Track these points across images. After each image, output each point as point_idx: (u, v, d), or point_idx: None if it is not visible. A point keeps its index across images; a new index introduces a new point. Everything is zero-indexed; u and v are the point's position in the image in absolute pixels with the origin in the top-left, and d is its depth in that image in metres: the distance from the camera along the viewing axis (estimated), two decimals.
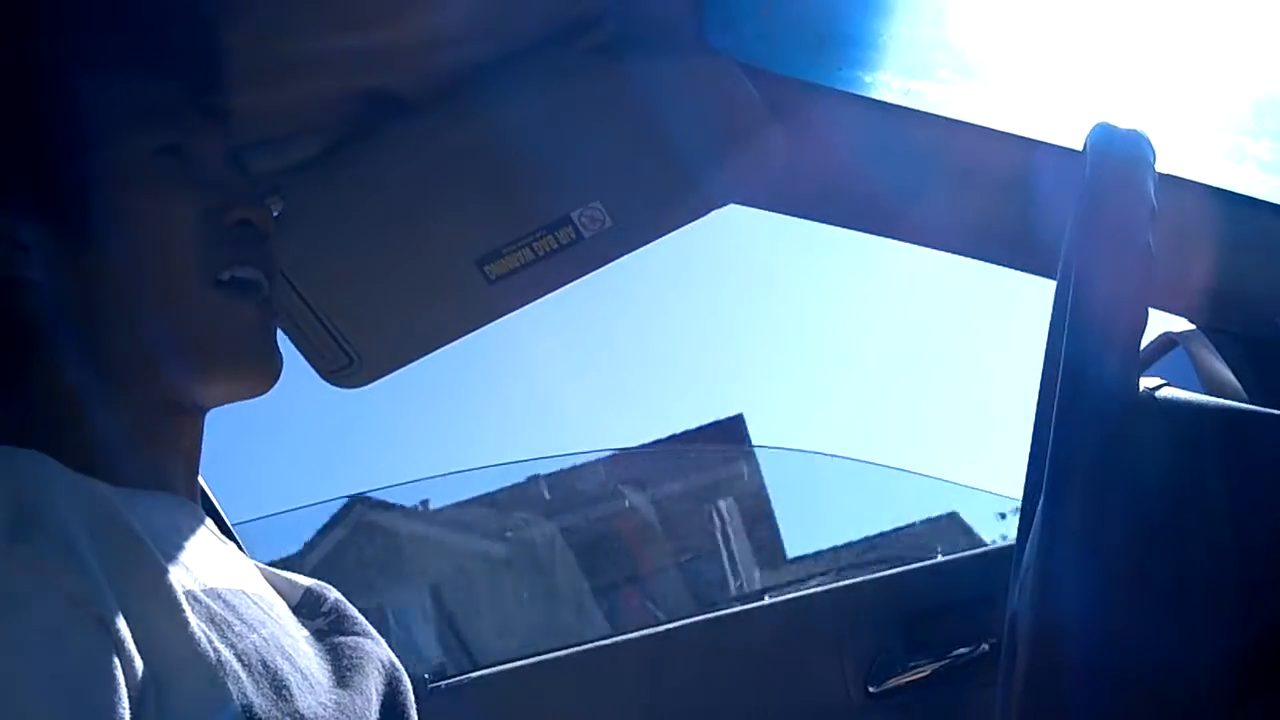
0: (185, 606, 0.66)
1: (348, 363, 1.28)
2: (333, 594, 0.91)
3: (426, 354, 1.32)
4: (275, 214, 1.16)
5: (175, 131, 0.82)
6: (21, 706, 0.57)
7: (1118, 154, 0.79)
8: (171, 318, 0.79)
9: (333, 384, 1.30)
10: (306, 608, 0.87)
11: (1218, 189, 1.09)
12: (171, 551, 0.69)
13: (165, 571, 0.66)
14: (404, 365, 1.32)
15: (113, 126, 0.79)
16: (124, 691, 0.60)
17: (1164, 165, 0.81)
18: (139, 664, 0.62)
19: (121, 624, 0.62)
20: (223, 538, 0.84)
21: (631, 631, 1.66)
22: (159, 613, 0.64)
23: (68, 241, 0.77)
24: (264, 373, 0.84)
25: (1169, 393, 0.78)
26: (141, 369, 0.79)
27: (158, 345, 0.78)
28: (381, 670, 0.84)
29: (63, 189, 0.77)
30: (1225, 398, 0.91)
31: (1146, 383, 0.78)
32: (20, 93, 0.77)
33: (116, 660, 0.61)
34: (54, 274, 0.77)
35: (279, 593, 0.86)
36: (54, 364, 0.77)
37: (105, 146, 0.79)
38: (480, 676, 1.61)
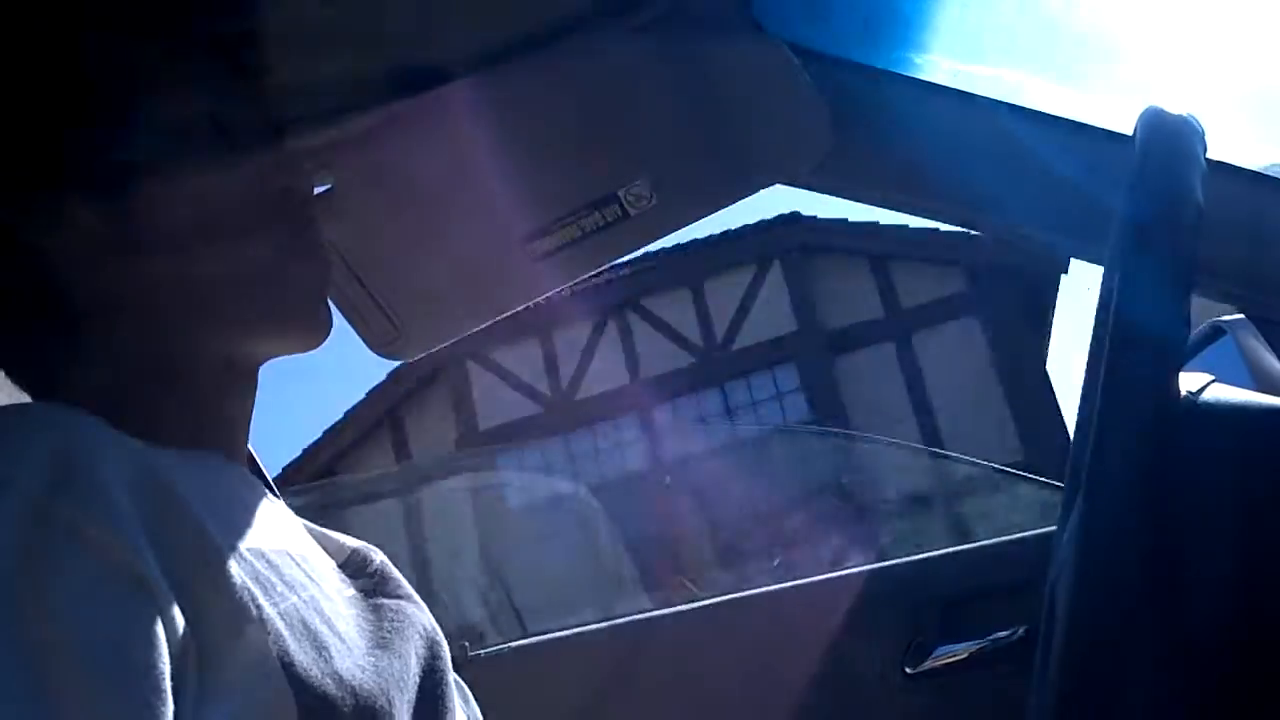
0: (228, 565, 0.66)
1: (395, 336, 1.29)
2: (378, 556, 0.91)
3: (472, 329, 1.33)
4: (327, 188, 1.17)
5: (212, 98, 0.81)
6: (59, 666, 0.56)
7: (1167, 138, 0.79)
8: (221, 276, 0.78)
9: (380, 355, 1.31)
10: (352, 567, 0.87)
11: (1269, 175, 1.08)
12: (217, 512, 0.69)
13: (208, 532, 0.66)
14: (450, 339, 1.34)
15: (150, 93, 0.78)
16: (165, 650, 0.60)
17: (1215, 151, 0.81)
18: (180, 623, 0.62)
19: (162, 583, 0.61)
20: (272, 496, 0.85)
21: (669, 607, 1.67)
22: (201, 572, 0.64)
23: (108, 211, 0.76)
24: (317, 326, 0.84)
25: (1215, 390, 0.77)
26: (191, 328, 0.79)
27: (206, 303, 0.78)
28: (422, 635, 0.83)
29: (99, 158, 0.76)
30: (1272, 386, 0.90)
31: (1193, 377, 0.77)
32: (55, 61, 0.76)
33: (157, 619, 0.60)
34: (98, 243, 0.76)
35: (326, 552, 0.87)
36: (102, 330, 0.78)
37: (142, 113, 0.78)
38: (520, 646, 1.62)
